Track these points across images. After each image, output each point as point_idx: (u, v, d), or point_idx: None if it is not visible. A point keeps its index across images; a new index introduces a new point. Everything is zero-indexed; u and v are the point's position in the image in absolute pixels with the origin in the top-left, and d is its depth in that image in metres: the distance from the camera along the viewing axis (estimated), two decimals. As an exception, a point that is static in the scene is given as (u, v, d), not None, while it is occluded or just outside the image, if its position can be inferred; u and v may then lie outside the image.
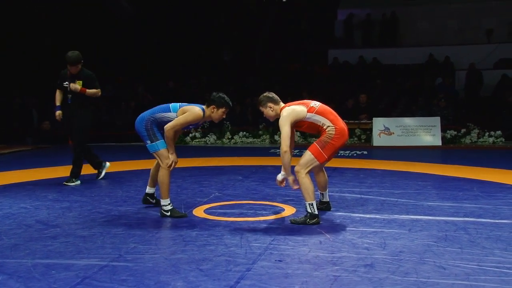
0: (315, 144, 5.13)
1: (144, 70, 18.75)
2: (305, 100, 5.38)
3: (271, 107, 5.32)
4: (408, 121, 13.37)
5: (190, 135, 13.95)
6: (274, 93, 5.46)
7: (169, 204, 5.48)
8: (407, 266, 3.81)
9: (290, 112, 5.16)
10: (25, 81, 16.46)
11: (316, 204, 5.61)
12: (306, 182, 5.05)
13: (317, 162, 5.12)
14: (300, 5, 21.96)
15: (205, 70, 19.03)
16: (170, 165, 5.44)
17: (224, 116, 5.60)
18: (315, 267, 3.81)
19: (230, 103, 5.52)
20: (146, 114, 5.59)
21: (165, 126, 5.38)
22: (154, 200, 5.96)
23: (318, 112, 5.18)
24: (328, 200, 5.75)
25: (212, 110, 5.43)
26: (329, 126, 5.13)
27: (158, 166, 5.75)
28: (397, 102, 15.93)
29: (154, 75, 18.47)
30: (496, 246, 4.29)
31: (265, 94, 5.41)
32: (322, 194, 5.72)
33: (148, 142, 5.49)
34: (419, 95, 15.76)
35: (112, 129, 15.24)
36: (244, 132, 13.96)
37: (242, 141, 13.90)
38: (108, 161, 8.30)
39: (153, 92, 16.97)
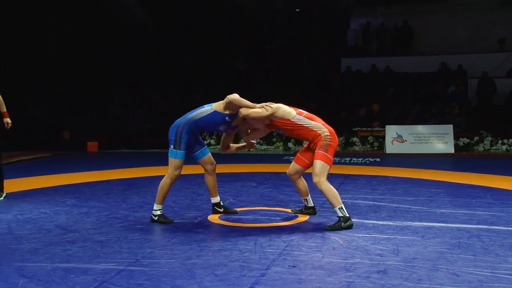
0: (319, 151, 5.13)
1: (159, 79, 18.86)
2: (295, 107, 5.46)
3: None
4: (420, 128, 13.31)
5: (205, 142, 13.99)
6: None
7: (159, 209, 5.52)
8: (420, 273, 3.78)
9: (281, 106, 5.27)
10: (39, 90, 16.63)
11: (303, 211, 5.71)
12: (329, 188, 5.07)
13: (328, 166, 5.13)
14: (312, 14, 22.00)
15: (219, 78, 19.10)
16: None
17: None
18: (328, 273, 3.80)
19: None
20: (179, 119, 5.55)
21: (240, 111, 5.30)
22: (222, 209, 5.91)
23: (308, 116, 5.27)
24: (313, 204, 5.78)
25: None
26: (319, 129, 5.19)
27: (210, 176, 5.78)
28: (410, 110, 15.86)
29: (169, 83, 18.58)
30: (510, 253, 4.24)
31: None
32: (306, 199, 5.74)
33: (171, 146, 5.47)
34: (431, 103, 15.68)
35: (128, 136, 15.33)
36: (258, 139, 13.96)
37: (256, 148, 13.91)
38: (126, 167, 8.35)
39: (168, 100, 17.06)
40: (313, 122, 5.24)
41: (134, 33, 19.23)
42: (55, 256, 4.25)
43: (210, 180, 5.79)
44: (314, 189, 5.40)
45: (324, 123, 5.31)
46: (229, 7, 21.42)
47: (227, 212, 5.90)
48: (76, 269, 3.91)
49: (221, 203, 5.95)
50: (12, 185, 7.64)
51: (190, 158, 5.66)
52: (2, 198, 6.91)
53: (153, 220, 5.51)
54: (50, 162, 11.41)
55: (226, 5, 21.21)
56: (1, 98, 6.98)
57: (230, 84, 18.68)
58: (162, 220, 5.47)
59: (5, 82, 15.34)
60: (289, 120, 5.22)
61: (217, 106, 5.45)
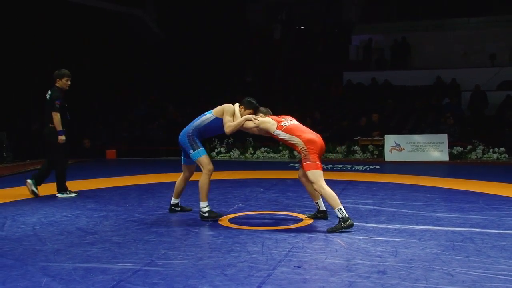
0: (305, 163, 5.24)
1: (174, 90, 18.92)
2: (283, 117, 5.62)
3: (262, 117, 5.63)
4: (417, 138, 13.26)
5: (216, 150, 14.01)
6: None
7: (207, 206, 5.62)
8: (417, 273, 3.77)
9: (266, 121, 5.51)
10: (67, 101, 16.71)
11: (315, 215, 5.67)
12: (328, 192, 5.11)
13: (319, 171, 5.19)
14: (316, 31, 22.05)
15: (229, 90, 19.15)
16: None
17: None
18: (331, 273, 3.79)
19: (258, 106, 5.75)
20: (187, 127, 5.78)
21: (225, 129, 5.59)
22: (179, 208, 6.20)
23: (286, 130, 5.39)
24: (325, 209, 5.73)
25: (240, 110, 5.71)
26: (296, 141, 5.30)
27: (182, 180, 6.05)
28: (407, 120, 15.82)
29: (183, 95, 18.64)
30: (501, 255, 4.22)
31: (263, 107, 5.80)
32: (317, 203, 5.73)
33: (191, 151, 5.64)
34: (427, 114, 15.65)
35: (145, 144, 15.38)
36: (266, 148, 13.96)
37: (263, 156, 13.90)
38: (142, 174, 8.44)
39: (182, 110, 17.10)
40: (290, 136, 5.35)
41: (153, 48, 19.35)
42: (76, 256, 4.26)
43: (181, 185, 6.09)
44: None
45: (301, 134, 5.34)
46: (238, 23, 21.52)
47: (183, 210, 6.20)
48: (96, 268, 3.92)
49: (179, 204, 6.22)
50: (37, 190, 7.66)
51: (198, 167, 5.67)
52: (70, 195, 7.45)
53: (203, 218, 5.60)
54: (71, 169, 11.38)
55: (235, 21, 21.31)
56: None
57: (239, 94, 18.75)
58: (213, 215, 5.60)
59: (31, 93, 15.48)
60: (272, 133, 5.48)
61: (217, 112, 5.70)
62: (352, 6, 22.21)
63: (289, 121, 5.50)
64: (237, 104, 5.76)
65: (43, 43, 15.79)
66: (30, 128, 15.01)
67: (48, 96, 7.37)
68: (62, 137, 7.35)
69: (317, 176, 5.16)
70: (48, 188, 8.16)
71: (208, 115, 5.72)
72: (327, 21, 22.11)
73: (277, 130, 5.41)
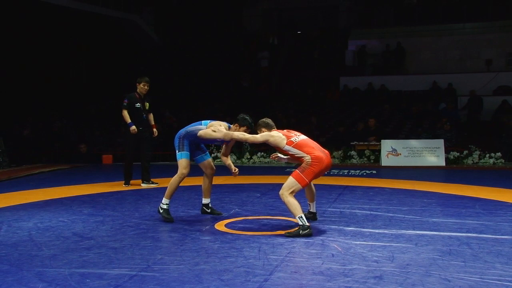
0: (296, 171, 5.30)
1: (170, 95, 18.92)
2: (291, 132, 5.58)
3: (264, 132, 5.61)
4: (414, 143, 13.28)
5: (213, 155, 13.99)
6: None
7: (167, 204, 5.88)
8: (414, 278, 3.77)
9: (275, 135, 5.46)
10: (63, 107, 16.71)
11: (305, 215, 5.67)
12: (290, 200, 5.16)
13: (299, 185, 5.23)
14: (313, 36, 22.11)
15: (227, 95, 19.15)
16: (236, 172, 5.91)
17: None
18: (328, 279, 3.78)
19: (252, 124, 5.79)
20: (180, 131, 5.97)
21: (199, 133, 5.74)
22: (209, 210, 6.27)
23: (296, 146, 5.38)
24: (315, 211, 5.92)
25: (236, 128, 5.76)
26: (305, 156, 5.30)
27: (206, 178, 6.22)
28: (404, 125, 15.86)
29: (179, 100, 18.65)
30: (498, 260, 4.23)
31: (263, 119, 5.72)
32: (310, 204, 5.89)
33: (177, 151, 5.88)
34: (424, 119, 15.68)
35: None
36: (262, 153, 13.95)
37: (260, 161, 13.89)
38: (138, 179, 8.54)
39: (178, 116, 17.09)
40: (299, 152, 5.34)
41: (149, 53, 19.37)
42: (72, 262, 4.25)
43: (206, 183, 6.26)
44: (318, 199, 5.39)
45: (311, 150, 5.32)
46: (235, 28, 21.56)
47: (213, 213, 6.25)
48: (92, 274, 3.91)
49: (210, 205, 6.30)
50: (33, 195, 7.64)
51: (199, 171, 5.67)
52: (154, 185, 8.70)
53: (159, 212, 5.87)
54: (68, 174, 11.42)
55: (232, 26, 21.35)
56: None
57: (236, 99, 18.76)
58: (166, 215, 5.82)
59: (32, 101, 15.47)
60: (281, 148, 5.46)
61: (210, 126, 5.76)
62: (348, 11, 22.31)
63: (299, 136, 5.50)
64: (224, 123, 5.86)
65: (40, 49, 15.80)
66: (22, 134, 15.00)
67: None
68: (133, 127, 8.40)
69: (291, 186, 5.19)
70: (44, 194, 8.15)
71: (203, 127, 5.82)
72: (323, 27, 22.19)
73: (287, 146, 5.39)
